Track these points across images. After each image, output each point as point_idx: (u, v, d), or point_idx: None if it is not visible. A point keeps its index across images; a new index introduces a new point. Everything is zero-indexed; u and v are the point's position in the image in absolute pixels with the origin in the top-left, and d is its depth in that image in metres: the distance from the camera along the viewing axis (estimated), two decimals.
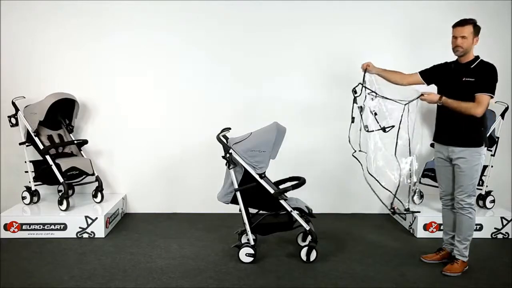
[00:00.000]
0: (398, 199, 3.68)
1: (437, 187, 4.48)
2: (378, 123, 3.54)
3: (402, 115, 3.51)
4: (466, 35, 3.28)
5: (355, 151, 3.60)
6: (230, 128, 3.71)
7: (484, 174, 4.47)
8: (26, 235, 4.05)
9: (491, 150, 4.46)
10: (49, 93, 4.40)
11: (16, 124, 4.44)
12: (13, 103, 4.41)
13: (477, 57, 3.36)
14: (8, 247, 3.82)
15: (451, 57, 4.80)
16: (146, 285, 3.16)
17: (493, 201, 4.51)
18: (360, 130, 3.56)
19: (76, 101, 4.56)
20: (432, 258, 3.65)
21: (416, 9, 4.73)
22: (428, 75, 3.58)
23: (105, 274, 3.32)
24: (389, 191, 3.66)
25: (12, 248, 3.81)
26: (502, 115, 4.48)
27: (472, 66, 3.32)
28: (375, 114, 3.54)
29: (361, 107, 3.56)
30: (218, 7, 4.67)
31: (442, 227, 3.77)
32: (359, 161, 3.66)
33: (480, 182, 4.49)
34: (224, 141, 3.53)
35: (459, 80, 3.31)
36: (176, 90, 4.79)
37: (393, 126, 3.52)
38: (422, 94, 3.38)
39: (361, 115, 3.56)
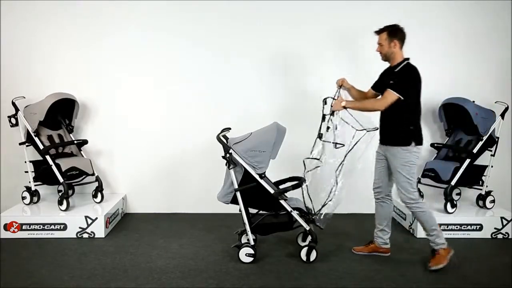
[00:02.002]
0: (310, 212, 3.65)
1: (437, 187, 4.54)
2: (334, 136, 3.53)
3: (355, 141, 3.51)
4: (381, 42, 3.44)
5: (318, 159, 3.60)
6: (230, 128, 3.71)
7: (484, 174, 4.47)
8: (26, 235, 4.05)
9: (491, 150, 4.46)
10: (49, 93, 4.40)
11: (16, 124, 4.44)
12: (13, 103, 4.41)
13: (403, 60, 3.44)
14: (8, 247, 3.82)
15: (449, 57, 4.85)
16: (146, 285, 3.16)
17: (493, 201, 4.50)
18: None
19: (76, 101, 4.57)
20: (362, 250, 3.74)
21: (415, 10, 4.73)
22: (377, 86, 3.66)
23: (105, 274, 3.32)
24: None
25: (12, 248, 3.81)
26: (502, 115, 4.48)
27: (396, 70, 3.42)
28: (336, 128, 3.54)
29: (324, 115, 3.58)
30: (218, 7, 4.67)
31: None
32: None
33: (480, 182, 4.50)
34: (224, 141, 3.53)
35: (388, 83, 3.41)
36: (176, 90, 4.80)
37: (343, 145, 3.52)
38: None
39: (321, 125, 3.59)
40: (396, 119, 3.40)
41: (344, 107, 3.46)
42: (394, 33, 3.41)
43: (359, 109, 3.46)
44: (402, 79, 3.34)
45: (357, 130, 3.48)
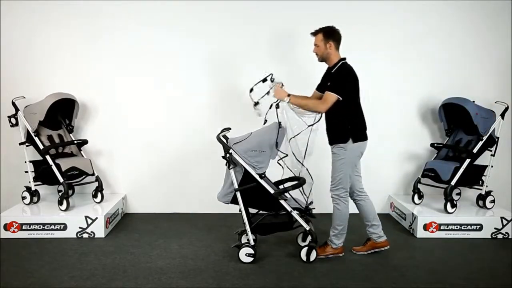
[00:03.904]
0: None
1: (437, 187, 4.54)
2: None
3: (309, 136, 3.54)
4: (317, 43, 3.53)
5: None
6: (230, 128, 3.71)
7: (484, 174, 4.47)
8: (26, 235, 4.05)
9: (491, 150, 4.46)
10: (49, 93, 4.40)
11: (16, 124, 4.43)
12: (13, 103, 4.41)
13: (339, 61, 3.51)
14: (8, 247, 3.82)
15: (449, 57, 4.85)
16: (146, 285, 3.16)
17: (493, 201, 4.50)
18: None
19: (76, 101, 4.57)
20: (361, 250, 3.77)
21: (415, 10, 4.72)
22: (320, 87, 3.69)
23: (105, 274, 3.32)
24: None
25: (12, 248, 3.81)
26: (502, 115, 4.47)
27: (332, 71, 3.51)
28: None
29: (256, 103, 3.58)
30: (219, 7, 4.67)
31: None
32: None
33: (480, 182, 4.50)
34: (224, 141, 3.53)
35: (326, 85, 3.52)
36: (176, 90, 4.79)
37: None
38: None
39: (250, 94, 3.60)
40: (335, 118, 3.50)
41: (289, 99, 3.44)
42: (329, 34, 3.49)
43: (301, 106, 3.47)
44: (337, 80, 3.44)
45: (308, 125, 3.48)
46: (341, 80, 3.43)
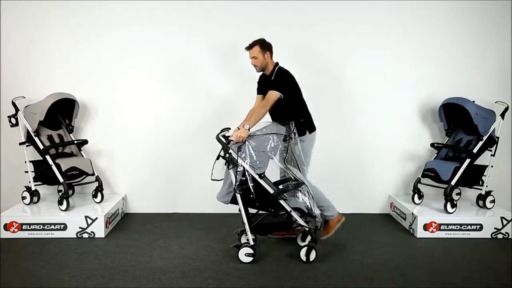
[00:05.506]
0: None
1: (437, 187, 4.55)
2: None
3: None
4: (255, 55, 3.77)
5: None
6: (229, 128, 3.71)
7: (484, 174, 4.47)
8: (26, 235, 4.05)
9: (491, 150, 4.46)
10: (49, 93, 4.40)
11: (16, 124, 4.44)
12: (13, 103, 4.41)
13: (275, 66, 3.80)
14: (8, 247, 3.82)
15: (449, 57, 4.85)
16: (146, 285, 3.17)
17: (493, 201, 4.50)
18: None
19: (76, 101, 4.57)
20: (326, 234, 3.93)
21: (416, 10, 4.72)
22: (261, 91, 3.89)
23: (105, 274, 3.32)
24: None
25: (12, 248, 3.81)
26: (502, 115, 4.47)
27: (272, 78, 3.77)
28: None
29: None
30: (220, 6, 4.67)
31: None
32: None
33: (480, 182, 4.49)
34: (224, 141, 3.53)
35: (267, 91, 3.72)
36: (176, 89, 4.79)
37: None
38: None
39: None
40: (288, 115, 3.69)
41: (248, 130, 3.49)
42: (265, 45, 3.77)
43: (257, 120, 3.63)
44: (278, 80, 3.71)
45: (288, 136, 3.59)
46: (281, 81, 3.70)
